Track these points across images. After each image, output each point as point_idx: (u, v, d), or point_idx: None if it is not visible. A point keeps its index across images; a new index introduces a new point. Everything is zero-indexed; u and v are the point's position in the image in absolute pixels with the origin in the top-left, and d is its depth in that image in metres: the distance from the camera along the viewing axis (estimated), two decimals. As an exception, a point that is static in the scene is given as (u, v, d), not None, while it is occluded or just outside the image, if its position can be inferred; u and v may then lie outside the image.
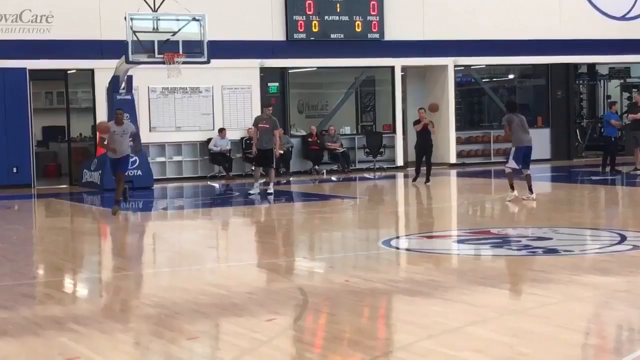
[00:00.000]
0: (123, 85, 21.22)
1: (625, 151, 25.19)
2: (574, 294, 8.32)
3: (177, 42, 19.94)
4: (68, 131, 23.78)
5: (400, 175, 23.95)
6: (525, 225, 13.71)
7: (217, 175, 24.01)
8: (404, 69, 26.40)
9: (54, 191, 21.77)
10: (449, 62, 26.37)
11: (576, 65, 28.62)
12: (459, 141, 26.95)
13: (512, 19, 26.57)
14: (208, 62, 20.38)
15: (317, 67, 26.28)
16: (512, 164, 16.00)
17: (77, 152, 24.09)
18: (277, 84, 25.01)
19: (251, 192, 18.75)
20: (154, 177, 22.11)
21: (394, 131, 26.14)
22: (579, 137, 28.62)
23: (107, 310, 8.19)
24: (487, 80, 28.94)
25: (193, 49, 20.06)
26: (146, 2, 20.85)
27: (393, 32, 25.42)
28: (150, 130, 23.18)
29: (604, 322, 7.41)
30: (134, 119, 21.44)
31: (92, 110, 23.15)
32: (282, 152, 24.13)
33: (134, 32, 19.60)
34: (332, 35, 24.90)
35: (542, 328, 6.88)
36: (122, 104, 21.18)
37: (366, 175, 24.70)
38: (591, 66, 29.41)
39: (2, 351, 6.75)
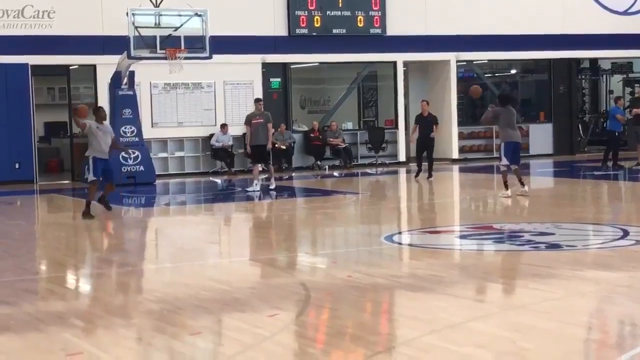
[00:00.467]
0: (125, 80, 21.23)
1: (627, 146, 25.14)
2: (576, 289, 8.31)
3: (179, 37, 19.98)
4: (70, 127, 23.75)
5: (402, 171, 23.93)
6: (527, 220, 13.69)
7: (219, 170, 24.01)
8: (406, 64, 26.38)
9: (56, 187, 21.79)
10: (451, 57, 26.33)
11: (578, 60, 28.58)
12: (461, 136, 26.94)
13: (514, 14, 26.53)
14: (210, 57, 20.40)
15: (319, 63, 26.26)
16: (504, 160, 16.01)
17: (79, 148, 23.89)
18: (279, 79, 25.00)
19: (249, 189, 18.62)
20: (156, 173, 22.10)
21: (396, 126, 26.12)
22: (581, 132, 28.59)
23: (109, 306, 8.19)
24: (490, 75, 28.90)
25: (195, 45, 20.08)
26: (148, -2, 20.87)
27: (395, 27, 25.38)
28: (152, 126, 23.17)
29: (607, 317, 7.40)
30: (136, 115, 21.50)
31: (95, 106, 23.10)
32: (284, 147, 24.18)
33: (136, 27, 19.61)
34: (334, 31, 24.87)
35: (545, 323, 6.87)
36: (124, 99, 21.28)
37: (368, 170, 24.68)
38: (593, 61, 29.36)
39: (5, 347, 6.75)
